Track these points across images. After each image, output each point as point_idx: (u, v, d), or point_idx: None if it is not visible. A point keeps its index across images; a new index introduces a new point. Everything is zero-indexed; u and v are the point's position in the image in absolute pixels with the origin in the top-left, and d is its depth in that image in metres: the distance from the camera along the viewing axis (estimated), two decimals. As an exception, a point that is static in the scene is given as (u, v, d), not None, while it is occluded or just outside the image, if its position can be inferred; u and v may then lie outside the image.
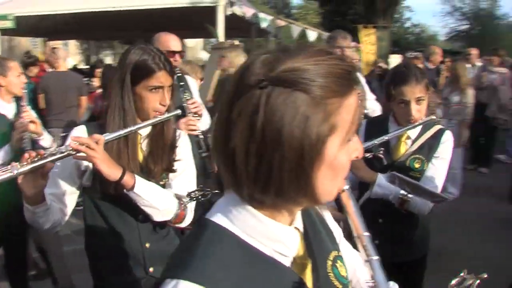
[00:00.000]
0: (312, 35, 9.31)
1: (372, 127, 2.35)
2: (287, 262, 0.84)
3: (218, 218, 0.83)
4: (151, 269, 1.88)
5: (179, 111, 1.85)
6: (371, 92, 4.40)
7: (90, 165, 1.75)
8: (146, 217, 1.82)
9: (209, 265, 0.77)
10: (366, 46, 10.25)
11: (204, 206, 1.65)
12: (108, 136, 1.66)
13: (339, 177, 0.80)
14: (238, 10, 8.00)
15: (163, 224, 1.91)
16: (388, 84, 2.23)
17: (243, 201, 0.81)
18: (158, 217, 1.78)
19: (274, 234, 0.82)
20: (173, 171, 1.87)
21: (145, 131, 1.84)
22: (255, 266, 0.80)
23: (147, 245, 1.88)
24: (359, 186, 2.35)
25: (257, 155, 0.74)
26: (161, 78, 1.76)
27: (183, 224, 1.87)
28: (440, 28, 47.95)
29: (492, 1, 31.57)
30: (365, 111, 3.89)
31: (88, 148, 1.57)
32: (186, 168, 1.93)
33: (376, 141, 2.16)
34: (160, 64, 1.75)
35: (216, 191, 2.09)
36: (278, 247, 0.82)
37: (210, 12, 7.65)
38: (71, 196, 1.84)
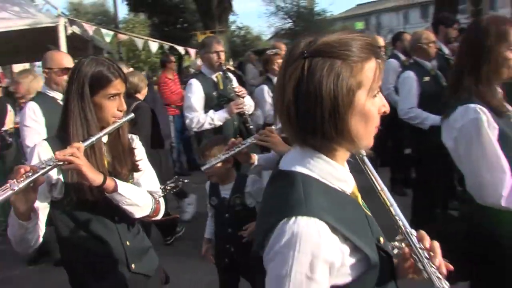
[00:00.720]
0: (154, 45, 9.66)
1: None
2: (348, 194, 1.17)
3: (298, 168, 1.12)
4: (133, 266, 2.03)
5: (132, 115, 2.02)
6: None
7: (61, 177, 1.84)
8: (122, 218, 1.97)
9: (311, 202, 1.04)
10: None
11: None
12: (85, 143, 1.77)
13: (371, 124, 1.10)
14: (76, 29, 7.92)
15: (133, 223, 2.07)
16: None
17: (312, 151, 1.11)
18: (138, 213, 1.94)
19: (340, 176, 1.14)
20: (138, 170, 2.03)
21: (104, 139, 1.96)
22: (335, 196, 1.11)
23: (128, 243, 2.02)
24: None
25: (304, 106, 1.05)
26: (118, 85, 1.91)
27: (158, 217, 2.06)
28: (267, 28, 52.41)
29: (311, -1, 35.31)
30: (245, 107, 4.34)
31: (74, 157, 1.68)
32: (146, 166, 2.11)
33: None
34: (115, 73, 1.90)
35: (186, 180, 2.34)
36: (342, 185, 1.15)
37: (51, 33, 7.44)
38: (44, 211, 1.88)
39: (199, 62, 8.15)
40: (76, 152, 1.69)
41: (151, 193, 2.02)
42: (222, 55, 4.34)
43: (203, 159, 2.69)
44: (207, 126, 4.20)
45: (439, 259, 1.13)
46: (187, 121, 4.27)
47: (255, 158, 2.57)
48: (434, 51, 4.20)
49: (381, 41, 6.62)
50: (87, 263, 1.98)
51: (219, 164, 2.50)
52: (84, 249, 1.95)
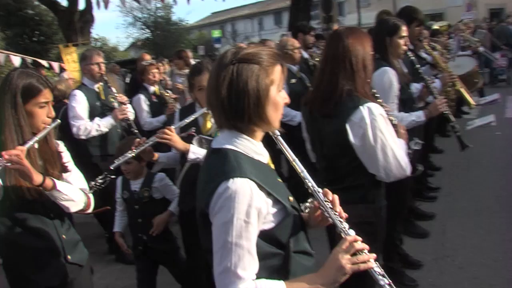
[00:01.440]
0: (16, 60, 9.23)
1: (184, 114, 3.21)
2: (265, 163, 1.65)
3: (228, 146, 1.55)
4: (69, 257, 2.35)
5: (58, 121, 2.30)
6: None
7: (0, 181, 2.07)
8: (57, 214, 2.26)
9: (242, 168, 1.47)
10: (70, 64, 10.79)
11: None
12: (26, 146, 2.04)
13: (279, 111, 1.59)
14: None
15: (66, 218, 2.36)
16: (189, 77, 3.14)
17: (236, 133, 1.55)
18: (74, 208, 2.25)
19: (258, 150, 1.61)
20: (68, 171, 2.33)
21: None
22: (257, 165, 1.56)
23: (64, 236, 2.33)
24: (181, 161, 3.19)
25: (235, 98, 1.49)
26: (47, 94, 2.21)
27: (89, 210, 2.37)
28: (125, 39, 51.52)
29: (166, 9, 35.50)
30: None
31: (19, 159, 1.94)
32: (73, 167, 2.40)
33: (186, 119, 2.99)
34: (44, 83, 2.21)
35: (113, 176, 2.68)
36: (260, 157, 1.62)
37: None
38: None
39: (65, 75, 8.06)
40: (21, 154, 1.96)
41: (82, 189, 2.32)
42: (103, 66, 4.64)
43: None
44: (94, 133, 4.46)
45: (339, 208, 1.64)
46: (74, 129, 4.43)
47: (157, 155, 3.00)
48: (298, 56, 4.95)
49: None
50: (27, 258, 2.24)
51: (135, 163, 2.89)
52: (24, 245, 2.22)
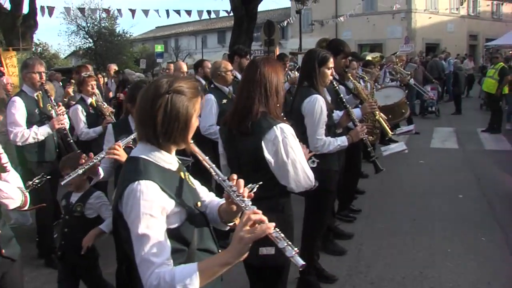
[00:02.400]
0: None
1: (118, 128, 3.46)
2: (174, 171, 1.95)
3: (142, 155, 1.86)
4: (3, 251, 2.56)
5: None
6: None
7: None
8: None
9: (148, 172, 1.79)
10: (9, 69, 10.76)
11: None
12: None
13: (193, 132, 1.91)
14: None
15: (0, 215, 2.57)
16: (133, 91, 3.38)
17: (152, 146, 1.87)
18: (12, 205, 2.48)
19: (168, 160, 1.92)
20: (7, 171, 2.53)
21: None
22: (164, 172, 1.87)
23: (0, 232, 2.52)
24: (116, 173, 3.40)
25: (168, 123, 1.81)
26: None
27: (26, 207, 2.58)
28: (67, 47, 50.85)
29: (111, 20, 35.27)
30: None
31: None
32: (10, 167, 2.59)
33: (133, 136, 3.20)
34: None
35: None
36: (170, 166, 1.92)
37: None
38: None
39: (4, 79, 8.04)
40: None
41: (19, 188, 2.54)
42: (44, 75, 4.82)
43: (64, 174, 3.26)
44: (31, 140, 4.62)
45: (242, 189, 1.85)
46: (12, 135, 4.58)
47: (101, 171, 3.24)
48: (231, 78, 5.28)
49: (184, 67, 7.64)
50: None
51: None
52: None
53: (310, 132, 3.78)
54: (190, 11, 17.61)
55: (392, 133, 5.32)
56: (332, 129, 4.01)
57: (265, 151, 2.68)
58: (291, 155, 2.69)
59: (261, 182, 2.08)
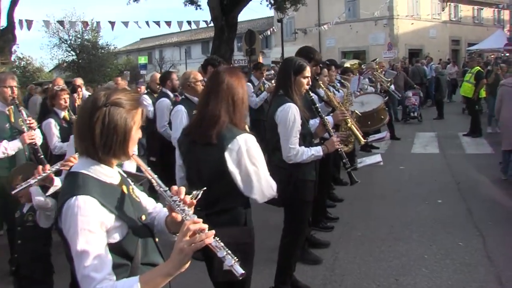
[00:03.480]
0: None
1: None
2: (115, 185, 1.91)
3: (81, 170, 1.83)
4: None
5: None
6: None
7: None
8: None
9: (86, 187, 1.76)
10: None
11: None
12: None
13: (135, 144, 1.91)
14: None
15: None
16: None
17: (92, 161, 1.84)
18: None
19: (109, 174, 1.88)
20: None
21: None
22: (104, 186, 1.83)
23: None
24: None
25: (106, 136, 1.79)
26: None
27: None
28: (50, 60, 50.68)
29: (94, 33, 35.16)
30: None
31: None
32: None
33: None
34: None
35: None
36: (111, 179, 1.88)
37: None
38: None
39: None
40: None
41: None
42: (15, 90, 4.74)
43: (14, 184, 3.13)
44: (0, 155, 4.54)
45: (183, 195, 1.83)
46: None
47: (57, 181, 3.16)
48: (201, 88, 5.22)
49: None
50: None
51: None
52: None
53: (283, 140, 3.77)
54: (170, 22, 17.57)
55: (365, 140, 5.29)
56: (307, 138, 3.98)
57: (229, 161, 2.66)
58: (255, 165, 2.70)
59: (204, 188, 2.04)
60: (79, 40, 35.47)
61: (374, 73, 10.87)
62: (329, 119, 4.70)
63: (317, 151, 3.91)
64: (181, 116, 5.07)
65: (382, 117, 8.94)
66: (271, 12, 30.73)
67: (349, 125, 4.97)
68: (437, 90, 17.00)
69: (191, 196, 1.89)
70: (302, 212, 4.06)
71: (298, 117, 3.75)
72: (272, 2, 18.38)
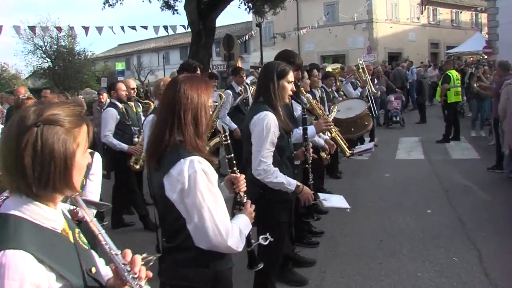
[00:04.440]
0: None
1: None
2: (58, 231, 1.45)
3: (12, 211, 1.37)
4: None
5: None
6: None
7: None
8: None
9: (18, 237, 1.31)
10: None
11: None
12: None
13: (82, 174, 1.48)
14: None
15: None
16: None
17: (27, 198, 1.39)
18: None
19: (50, 217, 1.43)
20: None
21: None
22: (43, 233, 1.38)
23: None
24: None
25: (40, 166, 1.34)
26: None
27: None
28: (24, 67, 49.49)
29: (71, 38, 34.42)
30: None
31: None
32: None
33: None
34: None
35: None
36: (53, 224, 1.43)
37: None
38: None
39: None
40: None
41: None
42: None
43: None
44: None
45: (137, 268, 1.44)
46: None
47: None
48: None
49: (132, 84, 7.14)
50: None
51: None
52: None
53: (255, 151, 3.35)
54: (146, 26, 17.07)
55: (350, 151, 4.93)
56: (286, 153, 3.55)
57: (167, 189, 2.13)
58: (198, 197, 2.08)
59: (159, 255, 1.60)
60: (55, 46, 34.70)
61: (363, 78, 10.48)
62: (310, 129, 4.34)
63: (289, 183, 3.44)
64: (146, 127, 4.68)
65: (366, 123, 8.63)
66: (249, 17, 30.42)
67: (333, 135, 4.62)
68: (419, 94, 16.85)
69: (144, 262, 1.48)
70: (277, 234, 3.54)
71: (275, 128, 3.34)
72: (251, 6, 18.01)
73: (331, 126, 4.47)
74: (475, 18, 40.53)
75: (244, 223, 2.36)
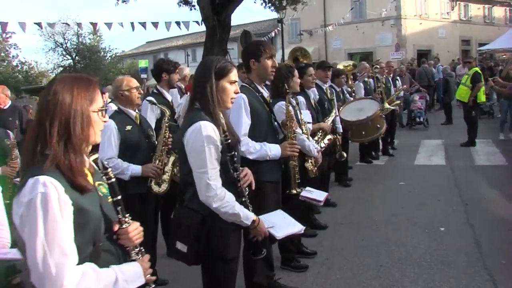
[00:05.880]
0: None
1: None
2: None
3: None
4: None
5: None
6: None
7: None
8: None
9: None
10: None
11: None
12: None
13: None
14: None
15: None
16: None
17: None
18: None
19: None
20: None
21: None
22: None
23: None
24: None
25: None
26: None
27: None
28: (46, 64, 50.45)
29: (96, 36, 34.41)
30: None
31: None
32: None
33: None
34: None
35: None
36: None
37: None
38: None
39: None
40: None
41: None
42: None
43: None
44: None
45: None
46: None
47: None
48: (136, 97, 4.13)
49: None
50: None
51: None
52: None
53: (198, 174, 2.59)
54: (157, 23, 16.47)
55: (296, 191, 4.02)
56: (230, 173, 2.70)
57: (13, 213, 1.70)
58: (31, 227, 1.62)
59: None
60: (75, 43, 34.68)
61: (377, 75, 9.54)
62: (274, 149, 3.59)
63: (246, 217, 2.67)
64: (110, 133, 4.01)
65: (378, 125, 7.79)
66: (276, 14, 29.62)
67: (291, 164, 3.85)
68: (446, 93, 15.74)
69: None
70: (221, 274, 2.77)
71: (216, 140, 2.58)
72: (267, 1, 17.24)
73: (296, 153, 3.70)
74: (508, 13, 38.55)
75: (129, 272, 1.83)
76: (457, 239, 5.25)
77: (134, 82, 4.18)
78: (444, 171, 8.70)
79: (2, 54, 35.58)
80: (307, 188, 4.01)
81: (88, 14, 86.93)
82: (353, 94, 8.65)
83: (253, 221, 2.72)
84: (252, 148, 3.45)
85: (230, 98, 2.74)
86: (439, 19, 34.26)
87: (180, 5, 17.26)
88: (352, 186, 7.87)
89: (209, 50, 14.67)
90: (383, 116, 8.14)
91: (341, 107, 7.72)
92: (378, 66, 9.51)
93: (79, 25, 19.71)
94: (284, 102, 3.96)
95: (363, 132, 7.70)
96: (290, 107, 3.95)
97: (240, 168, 2.78)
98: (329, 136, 5.61)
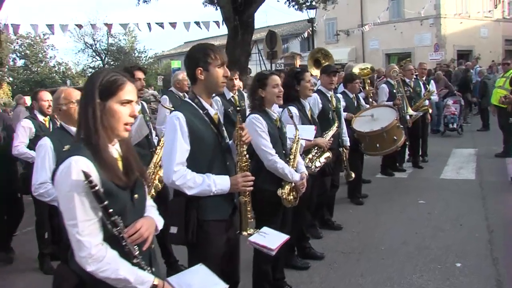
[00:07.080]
0: None
1: None
2: None
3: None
4: None
5: None
6: None
7: None
8: None
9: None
10: None
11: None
12: None
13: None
14: None
15: None
16: None
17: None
18: None
19: None
20: None
21: None
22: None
23: None
24: None
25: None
26: None
27: None
28: (75, 66, 51.58)
29: (130, 37, 34.47)
30: None
31: None
32: None
33: None
34: None
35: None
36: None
37: None
38: None
39: None
40: None
41: None
42: None
43: None
44: None
45: None
46: None
47: None
48: (75, 112, 3.47)
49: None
50: None
51: None
52: None
53: (68, 226, 1.86)
54: (175, 23, 15.90)
55: (247, 233, 3.16)
56: (118, 224, 1.93)
57: None
58: None
59: None
60: (105, 44, 34.84)
61: (403, 78, 8.57)
62: (221, 186, 2.79)
63: (138, 280, 1.98)
64: (44, 154, 3.37)
65: (395, 137, 6.84)
66: (312, 14, 28.66)
67: (243, 200, 3.01)
68: (483, 97, 14.44)
69: None
70: None
71: (93, 178, 1.85)
72: (290, 0, 16.42)
73: (248, 187, 2.87)
74: (557, 11, 36.10)
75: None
76: (474, 280, 4.32)
77: (75, 95, 3.50)
78: (472, 188, 7.65)
79: (40, 55, 36.12)
80: (263, 229, 3.18)
81: (119, 14, 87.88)
82: (371, 100, 7.73)
83: (154, 286, 1.98)
84: (191, 182, 2.69)
85: (122, 124, 2.00)
86: (480, 17, 32.31)
87: (206, 5, 16.64)
88: (365, 204, 6.98)
89: (232, 51, 13.97)
90: (401, 126, 7.18)
91: (354, 116, 6.86)
92: (396, 69, 8.42)
93: (108, 26, 19.35)
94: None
95: (378, 145, 6.79)
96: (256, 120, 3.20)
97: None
98: (327, 154, 4.77)
